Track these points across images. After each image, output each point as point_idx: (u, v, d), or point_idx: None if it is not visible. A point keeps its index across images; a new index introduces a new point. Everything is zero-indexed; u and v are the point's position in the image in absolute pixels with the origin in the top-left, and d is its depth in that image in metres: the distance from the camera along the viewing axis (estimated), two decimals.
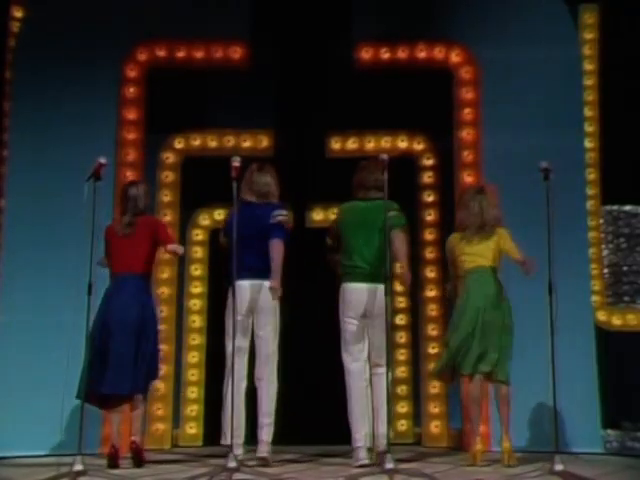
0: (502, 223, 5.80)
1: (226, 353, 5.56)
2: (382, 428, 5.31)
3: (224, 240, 5.77)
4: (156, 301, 6.20)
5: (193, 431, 7.11)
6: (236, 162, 5.20)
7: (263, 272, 5.58)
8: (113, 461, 5.40)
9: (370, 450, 5.47)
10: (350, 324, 5.59)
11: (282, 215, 5.68)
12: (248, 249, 5.48)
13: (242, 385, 5.54)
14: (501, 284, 5.74)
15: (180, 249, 5.94)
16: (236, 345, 5.25)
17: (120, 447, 5.56)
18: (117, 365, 5.50)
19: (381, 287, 5.46)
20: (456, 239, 5.88)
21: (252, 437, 5.58)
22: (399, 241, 5.56)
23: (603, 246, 7.25)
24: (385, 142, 7.33)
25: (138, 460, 5.47)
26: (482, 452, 5.56)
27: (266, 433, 5.52)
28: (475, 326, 5.61)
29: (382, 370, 5.46)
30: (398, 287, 6.96)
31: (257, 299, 5.59)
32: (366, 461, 5.37)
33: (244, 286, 5.51)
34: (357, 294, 5.55)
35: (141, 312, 5.63)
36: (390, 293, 5.67)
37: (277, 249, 5.60)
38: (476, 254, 5.73)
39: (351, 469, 5.24)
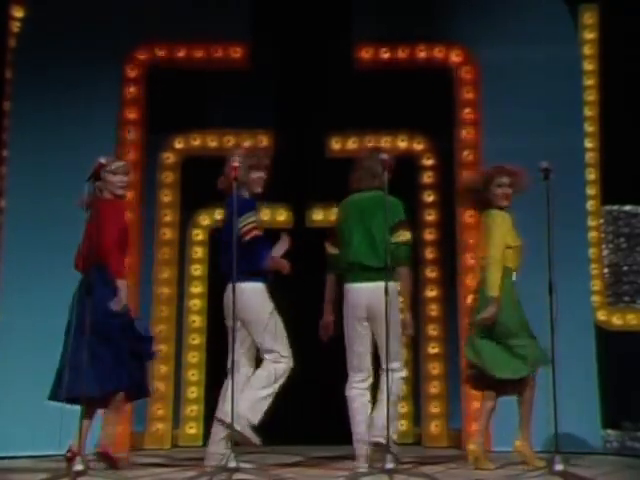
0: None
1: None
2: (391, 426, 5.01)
3: None
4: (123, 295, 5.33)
5: (193, 431, 7.12)
6: (236, 162, 5.19)
7: (238, 275, 4.96)
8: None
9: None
10: (355, 339, 5.32)
11: (246, 225, 5.23)
12: (225, 249, 5.23)
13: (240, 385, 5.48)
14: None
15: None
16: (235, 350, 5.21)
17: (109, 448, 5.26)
18: (72, 371, 5.07)
19: (385, 285, 4.98)
20: None
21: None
22: (406, 281, 5.31)
23: (603, 246, 7.25)
24: (385, 142, 7.31)
25: (109, 464, 5.11)
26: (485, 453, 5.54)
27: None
28: (492, 328, 5.42)
29: (396, 367, 5.20)
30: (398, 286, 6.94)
31: (237, 305, 5.00)
32: (365, 469, 5.31)
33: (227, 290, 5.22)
34: (358, 295, 5.29)
35: (91, 311, 4.94)
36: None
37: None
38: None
39: (350, 469, 5.23)
